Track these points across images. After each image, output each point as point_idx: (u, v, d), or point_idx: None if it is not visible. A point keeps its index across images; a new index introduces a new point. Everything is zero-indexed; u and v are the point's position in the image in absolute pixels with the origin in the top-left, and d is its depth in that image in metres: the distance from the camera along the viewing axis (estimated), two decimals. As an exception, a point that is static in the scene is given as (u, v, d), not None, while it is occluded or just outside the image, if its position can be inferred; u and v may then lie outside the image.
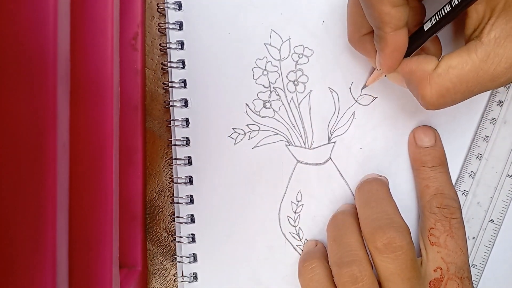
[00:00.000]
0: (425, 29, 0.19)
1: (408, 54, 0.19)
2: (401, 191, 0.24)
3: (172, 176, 0.24)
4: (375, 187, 0.21)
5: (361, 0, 0.18)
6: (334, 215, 0.23)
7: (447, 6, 0.18)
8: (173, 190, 0.24)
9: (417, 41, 0.19)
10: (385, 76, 0.21)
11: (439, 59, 0.18)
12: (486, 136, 0.23)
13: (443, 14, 0.18)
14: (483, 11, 0.17)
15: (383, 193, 0.21)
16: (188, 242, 0.24)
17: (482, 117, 0.24)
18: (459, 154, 0.24)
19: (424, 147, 0.22)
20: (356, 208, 0.22)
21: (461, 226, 0.20)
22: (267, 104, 0.24)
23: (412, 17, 0.20)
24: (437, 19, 0.18)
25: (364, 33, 0.20)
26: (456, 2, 0.17)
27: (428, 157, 0.22)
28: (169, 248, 0.25)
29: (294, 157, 0.24)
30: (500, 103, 0.24)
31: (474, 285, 0.21)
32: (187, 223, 0.24)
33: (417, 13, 0.20)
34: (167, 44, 0.24)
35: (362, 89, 0.23)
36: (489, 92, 0.24)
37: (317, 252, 0.22)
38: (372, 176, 0.23)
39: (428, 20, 0.19)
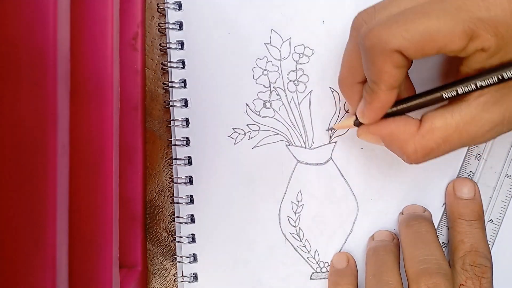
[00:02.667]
0: (411, 101, 0.19)
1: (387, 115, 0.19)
2: (401, 191, 0.24)
3: (172, 176, 0.24)
4: (424, 228, 0.21)
5: (363, 53, 0.18)
6: (375, 249, 0.22)
7: (447, 92, 0.18)
8: (173, 190, 0.24)
9: (399, 108, 0.19)
10: (356, 131, 0.21)
11: (420, 118, 0.19)
12: (485, 136, 0.24)
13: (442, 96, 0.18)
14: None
15: (432, 235, 0.21)
16: (188, 242, 0.24)
17: (482, 117, 0.24)
18: (458, 154, 0.24)
19: (462, 198, 0.22)
20: (396, 244, 0.22)
21: (490, 286, 0.20)
22: (267, 104, 0.24)
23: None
24: (427, 98, 0.18)
25: (358, 81, 0.20)
26: (449, 94, 0.18)
27: (466, 210, 0.22)
28: (169, 248, 0.25)
29: (294, 157, 0.24)
30: (500, 103, 0.24)
31: None
32: (187, 223, 0.24)
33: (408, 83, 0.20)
34: (167, 44, 0.24)
35: (327, 130, 0.23)
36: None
37: (349, 275, 0.22)
38: (416, 208, 0.23)
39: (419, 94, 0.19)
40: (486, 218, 0.23)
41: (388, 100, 0.18)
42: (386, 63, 0.17)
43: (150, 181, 0.25)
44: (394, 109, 0.19)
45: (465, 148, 0.24)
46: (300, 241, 0.24)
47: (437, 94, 0.18)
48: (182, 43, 0.24)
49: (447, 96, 0.18)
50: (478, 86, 0.17)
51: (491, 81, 0.17)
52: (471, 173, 0.24)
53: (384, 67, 0.17)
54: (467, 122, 0.17)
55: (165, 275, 0.25)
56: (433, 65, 0.23)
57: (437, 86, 0.18)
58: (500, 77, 0.17)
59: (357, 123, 0.20)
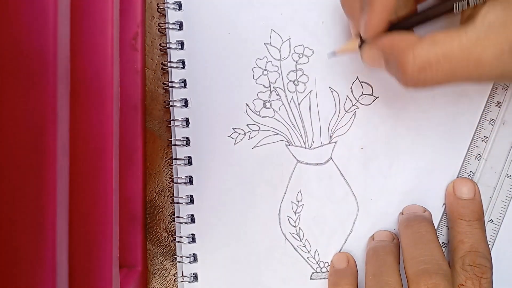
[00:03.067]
0: (418, 11, 0.18)
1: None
2: (401, 191, 0.24)
3: (172, 176, 0.24)
4: (424, 228, 0.21)
5: None
6: (375, 249, 0.22)
7: (457, 3, 0.17)
8: (173, 190, 0.24)
9: (407, 22, 0.18)
10: (359, 49, 0.20)
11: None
12: (485, 136, 0.24)
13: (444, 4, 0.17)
14: None
15: (432, 235, 0.21)
16: (188, 242, 0.24)
17: (481, 117, 0.24)
18: (458, 154, 0.24)
19: (462, 199, 0.22)
20: (396, 244, 0.22)
21: (490, 286, 0.20)
22: (267, 104, 0.24)
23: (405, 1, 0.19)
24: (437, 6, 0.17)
25: None
26: (460, 6, 0.17)
27: (466, 210, 0.22)
28: (169, 248, 0.25)
29: (294, 157, 0.24)
30: (499, 104, 0.24)
31: None
32: (187, 223, 0.24)
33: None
34: (167, 44, 0.24)
35: (329, 57, 0.22)
36: (488, 93, 0.24)
37: (349, 275, 0.22)
38: (416, 208, 0.23)
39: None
40: (486, 218, 0.23)
41: (387, 3, 0.17)
42: None
43: (150, 181, 0.25)
44: (399, 25, 0.18)
45: (465, 148, 0.24)
46: (300, 241, 0.24)
47: (447, 6, 0.17)
48: (182, 43, 0.24)
49: (458, 9, 0.17)
50: None
51: None
52: (471, 173, 0.24)
53: None
54: (471, 41, 0.16)
55: (165, 275, 0.25)
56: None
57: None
58: None
59: (361, 45, 0.19)
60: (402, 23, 0.18)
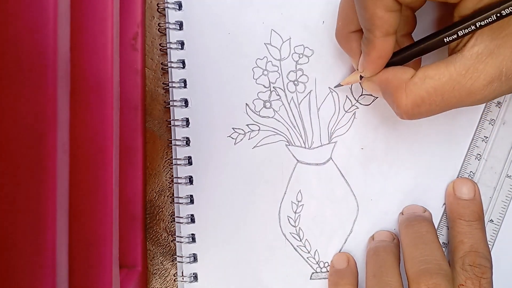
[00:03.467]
0: (413, 46, 0.19)
1: (390, 64, 0.19)
2: (401, 191, 0.24)
3: (172, 176, 0.24)
4: (424, 228, 0.21)
5: (356, 1, 0.18)
6: (376, 249, 0.22)
7: (447, 36, 0.18)
8: (173, 190, 0.24)
9: (403, 56, 0.19)
10: (360, 82, 0.21)
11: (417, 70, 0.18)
12: (485, 136, 0.24)
13: (434, 40, 0.18)
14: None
15: (432, 235, 0.21)
16: (188, 242, 0.24)
17: (481, 118, 0.24)
18: (458, 154, 0.24)
19: (462, 199, 0.22)
20: (396, 244, 0.22)
21: (490, 286, 0.20)
22: (267, 104, 0.24)
23: (402, 26, 0.19)
24: (430, 40, 0.18)
25: (352, 30, 0.20)
26: (450, 38, 0.17)
27: (466, 210, 0.22)
28: (169, 248, 0.25)
29: (294, 157, 0.24)
30: (499, 104, 0.24)
31: None
32: (187, 223, 0.24)
33: (408, 23, 0.20)
34: (167, 44, 0.24)
35: (335, 87, 0.23)
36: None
37: (349, 275, 0.22)
38: (416, 208, 0.23)
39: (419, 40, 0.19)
40: (487, 218, 0.23)
41: (384, 48, 0.18)
42: (377, 7, 0.17)
43: (150, 181, 0.25)
44: (394, 59, 0.19)
45: (466, 148, 0.24)
46: (300, 241, 0.24)
47: (437, 38, 0.18)
48: (182, 43, 0.24)
49: (447, 40, 0.17)
50: (478, 26, 0.17)
51: (490, 19, 0.16)
52: (472, 173, 0.24)
53: (376, 12, 0.17)
54: (460, 74, 0.17)
55: (165, 275, 0.25)
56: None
57: (437, 31, 0.18)
58: (499, 14, 0.16)
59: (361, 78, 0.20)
60: (396, 60, 0.19)
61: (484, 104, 0.24)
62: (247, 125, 0.24)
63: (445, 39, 0.18)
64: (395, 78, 0.18)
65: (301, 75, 0.24)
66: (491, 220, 0.24)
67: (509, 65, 0.17)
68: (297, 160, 0.24)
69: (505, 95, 0.18)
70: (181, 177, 0.24)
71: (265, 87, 0.24)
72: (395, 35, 0.18)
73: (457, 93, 0.17)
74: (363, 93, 0.24)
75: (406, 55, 0.19)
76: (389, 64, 0.19)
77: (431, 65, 0.18)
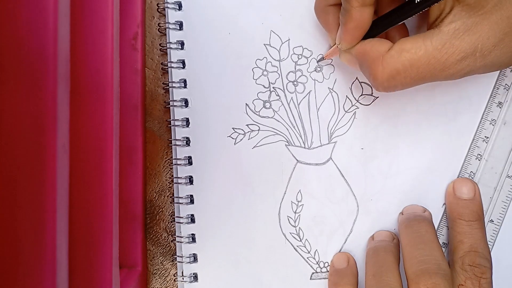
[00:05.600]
0: (389, 15, 0.19)
1: (367, 37, 0.19)
2: (401, 191, 0.24)
3: (172, 176, 0.24)
4: (424, 228, 0.21)
5: None
6: (375, 249, 0.22)
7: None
8: (173, 190, 0.24)
9: (379, 26, 0.19)
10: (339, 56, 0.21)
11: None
12: (485, 137, 0.24)
13: (408, 5, 0.18)
14: (449, 1, 0.17)
15: (432, 235, 0.21)
16: (188, 242, 0.24)
17: (482, 118, 0.24)
18: (459, 155, 0.24)
19: (462, 198, 0.22)
20: (396, 244, 0.22)
21: (490, 286, 0.20)
22: (267, 104, 0.24)
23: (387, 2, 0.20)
24: (402, 8, 0.18)
25: (330, 4, 0.20)
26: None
27: (466, 210, 0.22)
28: (169, 248, 0.25)
29: (294, 157, 0.24)
30: (500, 104, 0.24)
31: None
32: (187, 223, 0.24)
33: None
34: (167, 44, 0.24)
35: (318, 61, 0.23)
36: (489, 93, 0.24)
37: (349, 275, 0.22)
38: (416, 208, 0.23)
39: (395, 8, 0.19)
40: (487, 219, 0.23)
41: (361, 19, 0.18)
42: None
43: (150, 181, 0.25)
44: (372, 32, 0.19)
45: (466, 148, 0.24)
46: (300, 241, 0.24)
47: (411, 6, 0.18)
48: (182, 43, 0.24)
49: (417, 1, 0.17)
50: None
51: None
52: (472, 174, 0.23)
53: None
54: (436, 48, 0.17)
55: (165, 275, 0.25)
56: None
57: None
58: None
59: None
60: (373, 30, 0.19)
61: (485, 104, 0.24)
62: (247, 125, 0.24)
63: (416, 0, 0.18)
64: (372, 50, 0.19)
65: (300, 76, 0.24)
66: (491, 221, 0.24)
67: (484, 42, 0.17)
68: (297, 160, 0.24)
69: (479, 73, 0.18)
70: (181, 177, 0.24)
71: (264, 87, 0.24)
72: (373, 7, 0.18)
73: (431, 67, 0.18)
74: (363, 93, 0.24)
75: (382, 24, 0.19)
76: (367, 37, 0.19)
77: (409, 38, 0.18)
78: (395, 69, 0.18)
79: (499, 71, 0.24)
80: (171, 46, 0.24)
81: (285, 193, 0.24)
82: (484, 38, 0.17)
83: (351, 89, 0.24)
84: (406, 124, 0.24)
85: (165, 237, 0.25)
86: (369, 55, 0.19)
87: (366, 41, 0.19)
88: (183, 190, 0.24)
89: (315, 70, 0.24)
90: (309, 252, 0.24)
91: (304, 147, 0.24)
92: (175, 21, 0.24)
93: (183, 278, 0.24)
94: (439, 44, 0.17)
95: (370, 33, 0.19)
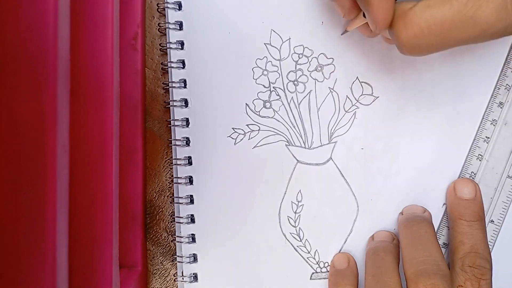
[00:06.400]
0: None
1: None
2: (401, 191, 0.24)
3: (172, 176, 0.24)
4: (423, 229, 0.21)
5: None
6: (375, 249, 0.22)
7: None
8: (173, 190, 0.24)
9: None
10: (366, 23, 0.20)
11: None
12: (486, 137, 0.23)
13: None
14: None
15: (431, 236, 0.21)
16: (188, 242, 0.24)
17: (483, 118, 0.24)
18: (459, 155, 0.24)
19: (463, 199, 0.22)
20: (396, 245, 0.22)
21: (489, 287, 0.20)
22: (267, 104, 0.24)
23: None
24: None
25: None
26: None
27: (466, 210, 0.21)
28: (169, 248, 0.25)
29: (294, 157, 0.24)
30: (501, 104, 0.23)
31: None
32: (187, 223, 0.24)
33: None
34: (167, 44, 0.24)
35: (342, 34, 0.23)
36: (490, 93, 0.24)
37: (350, 275, 0.22)
38: (415, 209, 0.23)
39: None
40: (487, 219, 0.23)
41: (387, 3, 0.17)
42: None
43: (150, 181, 0.25)
44: None
45: (467, 149, 0.24)
46: (300, 241, 0.24)
47: None
48: (182, 43, 0.24)
49: None
50: None
51: None
52: (473, 174, 0.23)
53: None
54: (462, 2, 0.16)
55: (165, 275, 0.25)
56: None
57: None
58: None
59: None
60: None
61: (486, 104, 0.23)
62: (247, 125, 0.24)
63: None
64: (397, 9, 0.18)
65: (300, 75, 0.24)
66: (492, 221, 0.23)
67: None
68: (297, 160, 0.24)
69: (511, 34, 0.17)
70: (181, 177, 0.24)
71: (265, 87, 0.24)
72: None
73: (458, 23, 0.16)
74: (363, 93, 0.24)
75: None
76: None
77: None
78: (418, 26, 0.17)
79: (499, 71, 0.23)
80: (171, 46, 0.24)
81: (285, 193, 0.24)
82: None
83: (351, 89, 0.24)
84: (407, 124, 0.24)
85: (165, 237, 0.25)
86: (394, 15, 0.18)
87: (393, 2, 0.18)
88: (183, 190, 0.24)
89: (316, 70, 0.24)
90: (309, 252, 0.24)
91: (304, 147, 0.24)
92: (175, 21, 0.24)
93: (183, 278, 0.24)
94: None
95: None
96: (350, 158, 0.24)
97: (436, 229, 0.23)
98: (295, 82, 0.24)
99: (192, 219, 0.24)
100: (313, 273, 0.24)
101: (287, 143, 0.24)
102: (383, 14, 0.18)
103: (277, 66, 0.24)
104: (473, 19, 0.16)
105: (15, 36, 0.15)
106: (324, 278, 0.24)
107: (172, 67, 0.24)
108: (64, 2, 0.16)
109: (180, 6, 0.24)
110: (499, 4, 0.16)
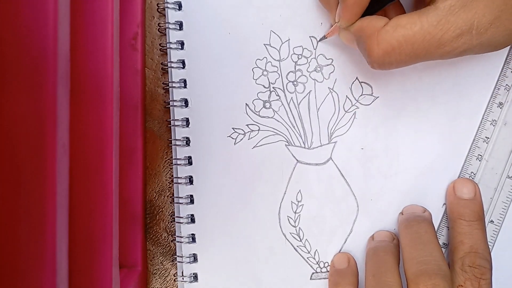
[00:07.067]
0: None
1: (366, 15, 0.19)
2: (401, 191, 0.24)
3: (172, 176, 0.24)
4: (423, 229, 0.21)
5: None
6: (375, 249, 0.22)
7: None
8: (173, 190, 0.24)
9: (377, 3, 0.19)
10: (339, 34, 0.21)
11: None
12: (486, 137, 0.23)
13: None
14: None
15: (431, 235, 0.21)
16: (188, 242, 0.24)
17: (483, 118, 0.24)
18: (459, 155, 0.24)
19: (463, 198, 0.22)
20: (396, 244, 0.22)
21: (489, 287, 0.20)
22: (267, 104, 0.24)
23: None
24: None
25: None
26: None
27: (466, 210, 0.22)
28: (169, 248, 0.25)
29: (294, 157, 0.24)
30: (501, 104, 0.24)
31: None
32: (187, 223, 0.24)
33: None
34: (167, 44, 0.24)
35: (319, 40, 0.23)
36: (489, 93, 0.24)
37: (350, 275, 0.22)
38: (415, 209, 0.23)
39: None
40: (487, 219, 0.23)
41: (359, 1, 0.18)
42: None
43: (150, 181, 0.25)
44: (370, 9, 0.19)
45: (467, 149, 0.24)
46: (300, 241, 0.24)
47: None
48: (182, 43, 0.24)
49: None
50: None
51: None
52: (472, 174, 0.23)
53: None
54: (432, 25, 0.17)
55: (165, 275, 0.25)
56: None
57: None
58: None
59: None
60: (371, 8, 0.19)
61: (486, 104, 0.23)
62: (247, 125, 0.24)
63: None
64: (369, 26, 0.19)
65: (300, 76, 0.24)
66: (492, 221, 0.23)
67: (480, 19, 0.17)
68: (297, 160, 0.24)
69: (475, 53, 0.18)
70: (181, 177, 0.24)
71: (264, 87, 0.24)
72: None
73: (427, 44, 0.18)
74: (363, 93, 0.24)
75: (380, 0, 0.19)
76: (365, 15, 0.19)
77: (405, 14, 0.18)
78: (390, 45, 0.18)
79: (499, 72, 0.23)
80: (171, 46, 0.24)
81: (285, 193, 0.24)
82: (480, 15, 0.17)
83: (351, 89, 0.24)
84: (406, 124, 0.24)
85: (165, 237, 0.25)
86: (366, 31, 0.19)
87: (363, 18, 0.19)
88: (183, 190, 0.24)
89: (315, 70, 0.24)
90: (309, 252, 0.24)
91: (304, 147, 0.24)
92: (175, 21, 0.24)
93: (183, 278, 0.24)
94: (435, 20, 0.17)
95: (369, 11, 0.19)
96: (350, 158, 0.24)
97: (436, 229, 0.23)
98: (295, 83, 0.24)
99: (192, 219, 0.24)
100: (313, 273, 0.24)
101: (287, 143, 0.24)
102: (351, 12, 0.19)
103: (276, 67, 0.24)
104: (440, 41, 0.18)
105: (15, 36, 0.15)
106: (324, 278, 0.24)
107: (172, 67, 0.24)
108: (64, 2, 0.16)
109: (180, 6, 0.24)
110: (465, 30, 0.17)
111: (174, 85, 0.24)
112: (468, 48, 0.18)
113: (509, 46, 0.23)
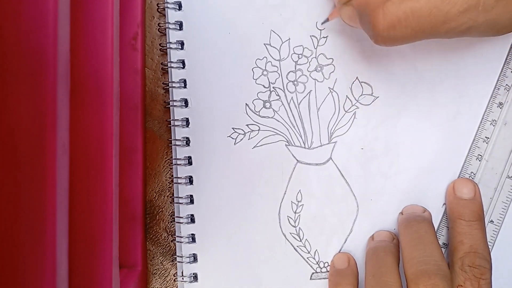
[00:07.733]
0: None
1: None
2: (401, 191, 0.24)
3: (172, 176, 0.24)
4: (423, 229, 0.21)
5: None
6: (375, 249, 0.22)
7: None
8: (173, 190, 0.24)
9: None
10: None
11: None
12: (486, 137, 0.23)
13: None
14: None
15: (431, 236, 0.21)
16: (188, 242, 0.24)
17: (483, 118, 0.24)
18: (459, 155, 0.24)
19: (463, 198, 0.22)
20: (396, 244, 0.22)
21: (489, 287, 0.20)
22: (267, 104, 0.24)
23: None
24: None
25: None
26: None
27: (466, 210, 0.22)
28: (169, 248, 0.25)
29: (294, 157, 0.24)
30: (500, 105, 0.24)
31: None
32: (187, 223, 0.24)
33: None
34: (167, 44, 0.24)
35: (322, 23, 0.23)
36: (489, 93, 0.24)
37: (350, 275, 0.22)
38: (415, 209, 0.23)
39: None
40: (487, 219, 0.23)
41: None
42: None
43: (150, 181, 0.25)
44: None
45: (467, 149, 0.24)
46: (300, 241, 0.24)
47: None
48: (182, 43, 0.24)
49: None
50: None
51: None
52: (472, 174, 0.23)
53: None
54: None
55: (165, 275, 0.25)
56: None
57: None
58: None
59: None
60: None
61: (486, 104, 0.23)
62: (247, 125, 0.24)
63: None
64: (375, 0, 0.18)
65: (300, 76, 0.24)
66: (492, 221, 0.23)
67: None
68: (297, 160, 0.24)
69: (480, 32, 0.18)
70: (181, 177, 0.24)
71: (264, 87, 0.24)
72: None
73: (433, 18, 0.17)
74: (363, 93, 0.24)
75: None
76: None
77: None
78: (396, 17, 0.17)
79: (499, 72, 0.23)
80: (171, 46, 0.24)
81: (285, 193, 0.24)
82: None
83: (351, 89, 0.24)
84: (406, 124, 0.24)
85: (165, 237, 0.25)
86: (370, 3, 0.18)
87: None
88: (183, 190, 0.24)
89: (316, 70, 0.24)
90: (309, 252, 0.24)
91: (304, 147, 0.24)
92: (175, 21, 0.24)
93: (183, 278, 0.24)
94: None
95: None
96: (350, 158, 0.24)
97: (436, 229, 0.23)
98: (295, 82, 0.24)
99: (192, 219, 0.24)
100: (313, 273, 0.24)
101: (287, 143, 0.24)
102: None
103: (276, 67, 0.24)
104: (446, 16, 0.17)
105: (15, 36, 0.15)
106: (324, 278, 0.24)
107: (172, 67, 0.24)
108: (64, 2, 0.16)
109: (180, 6, 0.24)
110: (472, 5, 0.17)
111: (174, 85, 0.24)
112: (473, 26, 0.17)
113: (509, 45, 0.23)
